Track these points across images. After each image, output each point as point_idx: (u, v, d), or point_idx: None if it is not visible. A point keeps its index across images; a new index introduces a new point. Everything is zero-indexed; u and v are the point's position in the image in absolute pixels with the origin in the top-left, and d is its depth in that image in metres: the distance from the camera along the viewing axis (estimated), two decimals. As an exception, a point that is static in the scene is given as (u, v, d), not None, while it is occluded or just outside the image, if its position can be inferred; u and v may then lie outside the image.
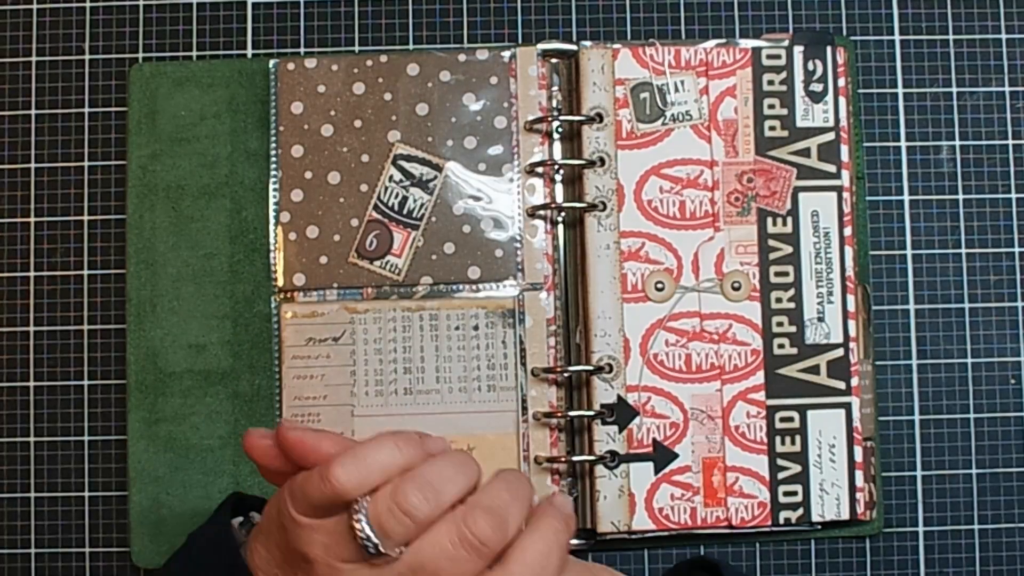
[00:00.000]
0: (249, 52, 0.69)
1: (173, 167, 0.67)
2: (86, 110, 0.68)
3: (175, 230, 0.67)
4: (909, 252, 0.69)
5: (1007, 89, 0.70)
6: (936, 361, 0.68)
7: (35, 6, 0.69)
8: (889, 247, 0.68)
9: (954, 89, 0.69)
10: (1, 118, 0.68)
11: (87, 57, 0.69)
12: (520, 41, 0.69)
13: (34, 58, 0.69)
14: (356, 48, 0.69)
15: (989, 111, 0.69)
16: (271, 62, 0.67)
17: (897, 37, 0.70)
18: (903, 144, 0.69)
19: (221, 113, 0.67)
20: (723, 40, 0.67)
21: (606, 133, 0.65)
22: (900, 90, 0.69)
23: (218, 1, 0.69)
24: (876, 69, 0.69)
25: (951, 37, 0.70)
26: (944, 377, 0.68)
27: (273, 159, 0.67)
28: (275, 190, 0.66)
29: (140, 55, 0.69)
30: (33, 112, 0.68)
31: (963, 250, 0.69)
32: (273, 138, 0.67)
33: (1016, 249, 0.68)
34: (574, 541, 0.65)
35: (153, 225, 0.67)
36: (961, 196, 0.69)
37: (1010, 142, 0.69)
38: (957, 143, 0.69)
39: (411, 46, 0.69)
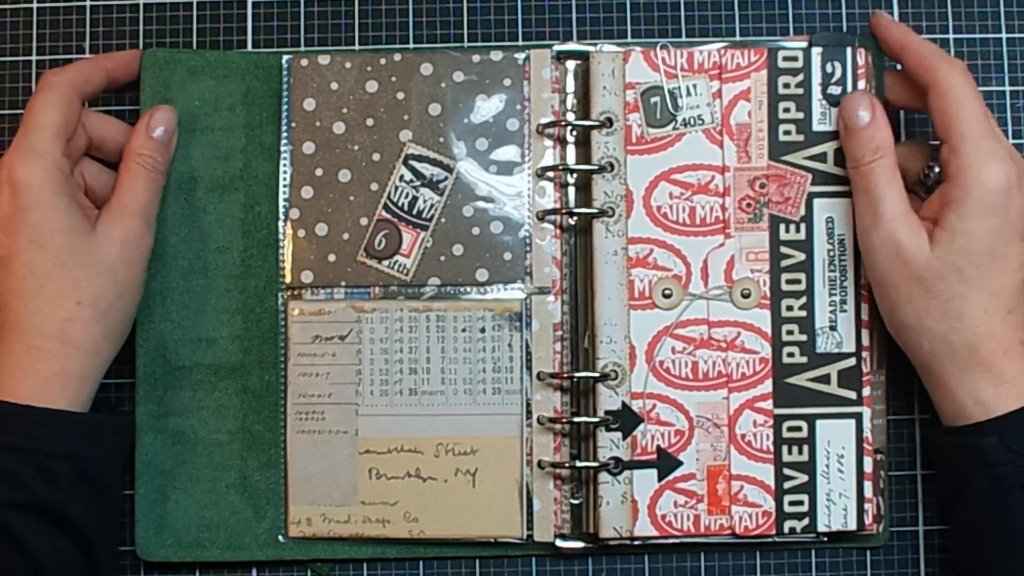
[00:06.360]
0: (249, 50, 0.69)
1: (186, 158, 0.67)
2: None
3: (187, 222, 0.67)
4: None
5: (1007, 89, 0.69)
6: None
7: (35, 5, 0.70)
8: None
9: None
10: (3, 117, 0.69)
11: (87, 56, 0.69)
12: (520, 39, 0.69)
13: (34, 57, 0.69)
14: (356, 46, 0.69)
15: (989, 111, 0.68)
16: (284, 58, 0.67)
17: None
18: (903, 144, 0.68)
19: (236, 105, 0.67)
20: (737, 39, 0.66)
21: (615, 138, 0.64)
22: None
23: (218, 0, 0.69)
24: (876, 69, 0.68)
25: (951, 37, 0.69)
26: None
27: (284, 155, 0.66)
28: (285, 186, 0.66)
29: (140, 54, 0.69)
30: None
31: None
32: (285, 134, 0.67)
33: (1017, 248, 0.67)
34: (578, 544, 0.65)
35: (165, 217, 0.67)
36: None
37: (1010, 142, 0.68)
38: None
39: (411, 44, 0.69)
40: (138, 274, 0.63)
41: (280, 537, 0.66)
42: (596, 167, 0.64)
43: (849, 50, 0.65)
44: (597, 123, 0.65)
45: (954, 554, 0.64)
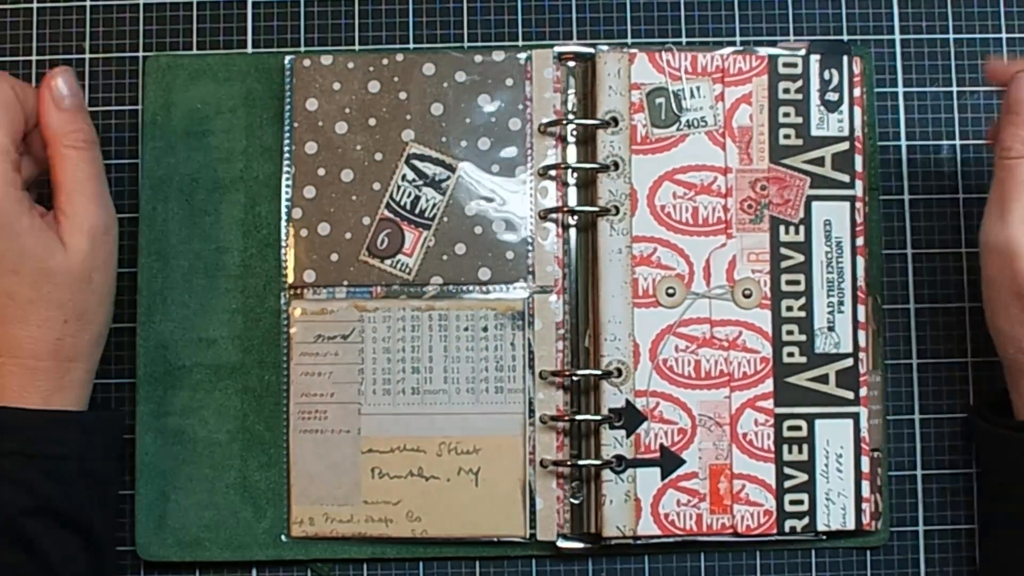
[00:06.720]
0: (249, 50, 0.69)
1: (187, 160, 0.67)
2: (87, 109, 0.67)
3: (188, 223, 0.67)
4: (909, 252, 0.68)
5: (1007, 89, 0.70)
6: (936, 361, 0.68)
7: (35, 5, 0.69)
8: (890, 247, 0.68)
9: (954, 89, 0.69)
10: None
11: (87, 56, 0.69)
12: (521, 39, 0.69)
13: (34, 57, 0.69)
14: (356, 47, 0.69)
15: (989, 111, 0.69)
16: (287, 58, 0.67)
17: (897, 37, 0.69)
18: (903, 143, 0.69)
19: (237, 108, 0.67)
20: (740, 47, 0.67)
21: (621, 137, 0.65)
22: (900, 90, 0.69)
23: (218, 0, 0.70)
24: (876, 69, 0.69)
25: (951, 37, 0.70)
26: (944, 377, 0.68)
27: (287, 155, 0.67)
28: (288, 186, 0.66)
29: (140, 54, 0.69)
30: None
31: (963, 250, 0.68)
32: (287, 134, 0.67)
33: (1016, 248, 0.68)
34: (577, 545, 0.65)
35: (166, 218, 0.67)
36: (961, 196, 0.69)
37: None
38: (957, 143, 0.69)
39: (411, 45, 0.69)
40: (112, 272, 0.61)
41: (282, 537, 0.65)
42: (601, 165, 0.65)
43: (845, 58, 0.66)
44: (602, 122, 0.65)
45: (997, 543, 0.63)
